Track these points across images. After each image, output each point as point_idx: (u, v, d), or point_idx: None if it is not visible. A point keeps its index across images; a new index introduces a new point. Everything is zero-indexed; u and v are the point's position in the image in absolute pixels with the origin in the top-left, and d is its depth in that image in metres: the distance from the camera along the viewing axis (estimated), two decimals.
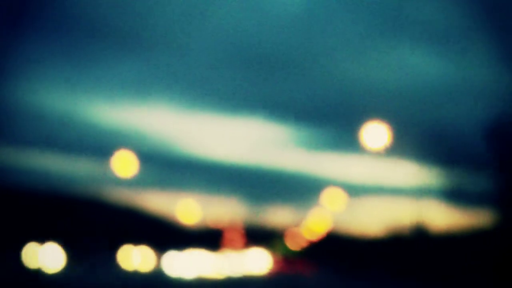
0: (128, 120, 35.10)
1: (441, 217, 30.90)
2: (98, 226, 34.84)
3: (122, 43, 33.67)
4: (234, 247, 36.73)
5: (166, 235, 36.89)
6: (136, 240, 35.24)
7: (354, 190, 34.17)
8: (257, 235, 36.46)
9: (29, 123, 32.21)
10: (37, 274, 31.80)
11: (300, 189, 35.05)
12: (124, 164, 33.80)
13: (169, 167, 35.58)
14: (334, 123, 33.50)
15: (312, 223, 35.99)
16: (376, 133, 31.09)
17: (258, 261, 36.19)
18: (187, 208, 36.27)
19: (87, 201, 35.40)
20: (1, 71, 28.38)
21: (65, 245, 33.68)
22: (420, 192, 31.19)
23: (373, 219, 34.44)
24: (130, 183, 36.11)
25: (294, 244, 36.18)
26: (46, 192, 34.36)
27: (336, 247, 35.45)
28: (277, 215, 36.18)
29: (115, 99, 34.64)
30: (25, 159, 33.20)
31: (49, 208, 34.17)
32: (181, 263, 35.23)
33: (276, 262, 35.95)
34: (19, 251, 32.60)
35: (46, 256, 33.05)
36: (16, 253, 32.08)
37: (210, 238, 36.94)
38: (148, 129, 35.38)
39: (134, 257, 35.38)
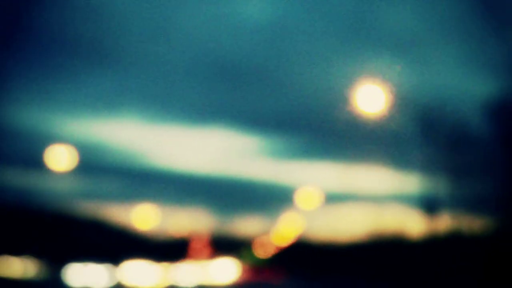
0: (95, 133, 34.88)
1: (417, 223, 31.33)
2: (61, 239, 34.71)
3: (88, 56, 33.42)
4: (200, 257, 36.72)
5: (128, 246, 36.76)
6: (98, 251, 35.05)
7: (324, 197, 34.49)
8: (225, 245, 36.52)
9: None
10: None
11: (269, 198, 35.26)
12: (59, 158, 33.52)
13: (136, 179, 35.49)
14: (302, 132, 33.73)
15: (281, 230, 36.19)
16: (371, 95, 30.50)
17: (225, 271, 36.23)
18: (148, 217, 36.18)
19: (55, 215, 35.15)
20: None
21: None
22: (393, 199, 31.64)
23: (343, 225, 34.78)
24: (97, 195, 35.98)
25: (263, 252, 36.33)
26: (15, 207, 34.05)
27: (306, 254, 35.68)
28: (245, 225, 36.33)
29: (81, 113, 34.38)
30: None
31: (16, 223, 33.86)
32: (99, 274, 35.09)
33: (245, 271, 36.03)
34: None
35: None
36: None
37: (175, 248, 36.89)
38: (115, 141, 35.23)
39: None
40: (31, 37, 31.14)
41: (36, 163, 33.43)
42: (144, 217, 36.22)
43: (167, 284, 34.93)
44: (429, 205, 29.71)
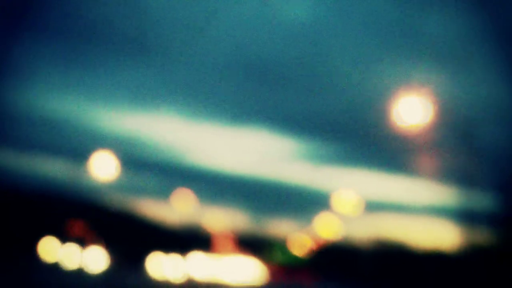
0: (132, 127, 35.01)
1: (450, 235, 31.17)
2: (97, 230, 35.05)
3: (129, 50, 33.55)
4: (227, 253, 36.76)
5: (161, 239, 36.93)
6: (136, 244, 35.34)
7: (361, 204, 34.31)
8: (256, 245, 36.50)
9: (33, 127, 32.07)
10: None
11: (304, 202, 35.21)
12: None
13: (173, 176, 35.60)
14: (340, 138, 33.64)
15: (314, 234, 36.14)
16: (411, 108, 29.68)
17: (253, 270, 36.23)
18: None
19: (88, 207, 35.36)
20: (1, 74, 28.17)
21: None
22: (425, 210, 31.48)
23: (376, 234, 34.69)
24: (133, 189, 36.14)
25: (296, 252, 36.26)
26: (46, 194, 34.36)
27: (338, 258, 35.62)
28: (279, 226, 36.30)
29: (120, 106, 34.54)
30: (25, 162, 33.08)
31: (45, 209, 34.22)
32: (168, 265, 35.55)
33: (276, 271, 35.98)
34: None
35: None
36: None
37: (205, 243, 37.02)
38: (152, 136, 35.34)
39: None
40: (73, 30, 31.32)
41: (76, 155, 33.70)
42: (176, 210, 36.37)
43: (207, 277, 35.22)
44: (467, 218, 29.47)
